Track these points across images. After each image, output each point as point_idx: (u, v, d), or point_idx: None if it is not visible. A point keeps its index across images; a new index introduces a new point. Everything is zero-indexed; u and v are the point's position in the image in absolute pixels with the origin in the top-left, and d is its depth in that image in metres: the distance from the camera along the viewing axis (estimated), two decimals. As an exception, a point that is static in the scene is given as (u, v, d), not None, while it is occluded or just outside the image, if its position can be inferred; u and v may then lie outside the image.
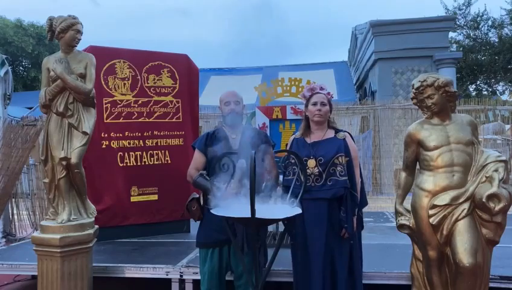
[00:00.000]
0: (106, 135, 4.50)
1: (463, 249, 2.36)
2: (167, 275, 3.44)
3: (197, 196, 2.96)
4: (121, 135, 4.56)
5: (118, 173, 4.54)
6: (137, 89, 4.67)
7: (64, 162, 3.02)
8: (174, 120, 4.83)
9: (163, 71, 4.81)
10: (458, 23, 17.44)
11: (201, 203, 2.93)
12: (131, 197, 4.60)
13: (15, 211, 6.25)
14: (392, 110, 9.09)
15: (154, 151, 4.72)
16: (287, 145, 3.00)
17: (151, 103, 4.73)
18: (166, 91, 4.82)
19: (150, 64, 4.74)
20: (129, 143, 4.61)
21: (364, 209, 2.99)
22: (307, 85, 2.97)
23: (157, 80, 4.78)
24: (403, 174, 2.77)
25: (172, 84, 4.85)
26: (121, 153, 4.56)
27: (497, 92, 19.39)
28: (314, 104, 2.78)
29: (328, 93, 2.85)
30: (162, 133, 4.76)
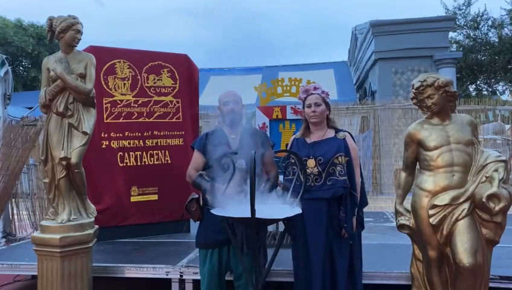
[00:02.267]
0: (106, 135, 4.50)
1: (463, 249, 2.36)
2: (167, 275, 3.44)
3: (197, 196, 2.95)
4: (121, 135, 4.56)
5: (118, 173, 4.54)
6: (137, 89, 4.67)
7: (64, 162, 3.02)
8: (174, 120, 4.83)
9: (163, 71, 4.81)
10: (458, 23, 17.45)
11: (201, 204, 2.93)
12: (131, 197, 4.60)
13: (15, 211, 6.25)
14: (392, 110, 9.09)
15: (154, 151, 4.72)
16: (287, 145, 3.01)
17: (151, 103, 4.73)
18: (166, 91, 4.82)
19: (150, 64, 4.74)
20: (129, 143, 4.61)
21: (365, 209, 2.99)
22: (302, 86, 2.96)
23: (157, 80, 4.78)
24: (403, 174, 2.77)
25: (172, 84, 4.85)
26: (121, 153, 4.56)
27: (497, 92, 19.40)
28: (309, 106, 2.79)
29: (323, 92, 2.83)
30: (162, 133, 4.76)
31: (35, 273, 3.13)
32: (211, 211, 2.26)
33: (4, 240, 5.71)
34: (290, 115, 5.65)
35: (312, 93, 2.81)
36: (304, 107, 2.85)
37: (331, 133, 2.82)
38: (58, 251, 2.93)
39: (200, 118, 5.93)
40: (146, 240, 4.48)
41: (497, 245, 2.50)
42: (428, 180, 2.52)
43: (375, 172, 8.85)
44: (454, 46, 18.06)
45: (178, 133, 4.83)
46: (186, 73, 4.94)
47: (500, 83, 19.42)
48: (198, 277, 3.18)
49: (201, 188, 2.77)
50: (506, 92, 19.68)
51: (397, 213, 2.74)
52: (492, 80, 18.98)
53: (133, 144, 4.62)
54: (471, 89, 20.30)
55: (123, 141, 4.58)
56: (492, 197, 2.33)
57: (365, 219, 3.04)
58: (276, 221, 2.87)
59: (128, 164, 4.60)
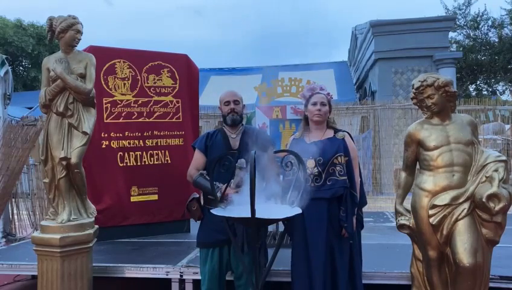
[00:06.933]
0: (106, 135, 4.49)
1: (463, 249, 2.36)
2: (167, 275, 3.44)
3: (197, 195, 2.96)
4: (121, 134, 4.56)
5: (118, 173, 4.54)
6: (137, 89, 4.67)
7: (64, 162, 3.02)
8: (174, 120, 4.83)
9: (163, 71, 4.81)
10: (458, 23, 17.46)
11: (202, 203, 2.93)
12: (131, 197, 4.60)
13: (15, 211, 6.24)
14: (392, 110, 9.09)
15: (154, 151, 4.71)
16: (286, 145, 3.01)
17: (151, 103, 4.72)
18: (166, 91, 4.82)
19: (150, 64, 4.74)
20: (129, 143, 4.60)
21: (365, 209, 2.99)
22: (307, 85, 2.98)
23: (157, 80, 4.78)
24: (403, 174, 2.77)
25: (172, 84, 4.85)
26: (121, 153, 4.56)
27: (497, 92, 19.40)
28: (314, 104, 2.80)
29: (328, 93, 2.88)
30: (162, 133, 4.76)
31: (35, 273, 3.13)
32: (211, 211, 2.27)
33: (4, 240, 5.71)
34: (290, 115, 5.65)
35: (318, 92, 2.84)
36: (306, 105, 2.86)
37: (330, 133, 2.83)
38: (58, 251, 2.93)
39: (200, 118, 5.93)
40: (146, 240, 4.48)
41: (497, 245, 2.50)
42: (428, 180, 2.52)
43: (375, 172, 8.85)
44: (454, 46, 18.06)
45: (178, 133, 4.83)
46: (186, 73, 4.94)
47: (500, 83, 19.44)
48: (198, 277, 3.18)
49: (202, 187, 2.77)
50: (506, 92, 19.70)
51: (397, 213, 2.74)
52: (492, 80, 19.00)
53: (133, 144, 4.62)
54: (471, 89, 20.31)
55: (123, 141, 4.58)
56: (492, 197, 2.33)
57: (365, 219, 3.05)
58: (276, 221, 2.87)
59: (128, 164, 4.60)
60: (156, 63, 4.78)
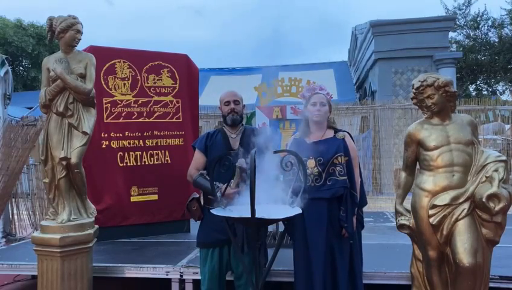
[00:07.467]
0: (106, 135, 4.49)
1: (463, 249, 2.36)
2: (167, 275, 3.44)
3: (197, 195, 2.97)
4: (121, 134, 4.56)
5: (118, 173, 4.54)
6: (137, 89, 4.67)
7: (64, 162, 3.02)
8: (174, 120, 4.83)
9: (163, 71, 4.81)
10: (458, 23, 17.47)
11: (202, 203, 2.94)
12: (131, 197, 4.60)
13: (15, 211, 6.25)
14: (392, 110, 9.09)
15: (154, 151, 4.72)
16: (286, 145, 3.01)
17: (151, 103, 4.72)
18: (166, 91, 4.82)
19: (149, 64, 4.74)
20: (129, 143, 4.60)
21: (365, 209, 2.99)
22: (306, 85, 2.99)
23: (157, 80, 4.78)
24: (403, 174, 2.77)
25: (172, 84, 4.85)
26: (121, 153, 4.56)
27: (497, 92, 19.41)
28: (314, 104, 2.80)
29: (328, 93, 2.88)
30: (162, 133, 4.76)
31: (35, 273, 3.13)
32: (211, 211, 2.27)
33: (4, 240, 5.71)
34: (290, 115, 5.67)
35: (318, 93, 2.84)
36: (306, 106, 2.86)
37: (330, 134, 2.83)
38: (58, 251, 2.93)
39: (200, 118, 5.93)
40: (146, 240, 4.48)
41: (497, 245, 2.50)
42: (428, 180, 2.52)
43: (375, 172, 8.85)
44: (454, 46, 18.07)
45: (178, 133, 4.83)
46: (186, 73, 4.94)
47: (500, 83, 19.45)
48: (198, 277, 3.18)
49: (202, 187, 2.78)
50: (506, 92, 19.70)
51: (397, 213, 2.74)
52: (492, 80, 19.01)
53: (133, 144, 4.62)
54: (471, 89, 20.33)
55: (123, 141, 4.58)
56: (492, 197, 2.33)
57: (365, 219, 3.05)
58: (276, 221, 2.87)
59: (128, 164, 4.60)
60: (156, 63, 4.78)
